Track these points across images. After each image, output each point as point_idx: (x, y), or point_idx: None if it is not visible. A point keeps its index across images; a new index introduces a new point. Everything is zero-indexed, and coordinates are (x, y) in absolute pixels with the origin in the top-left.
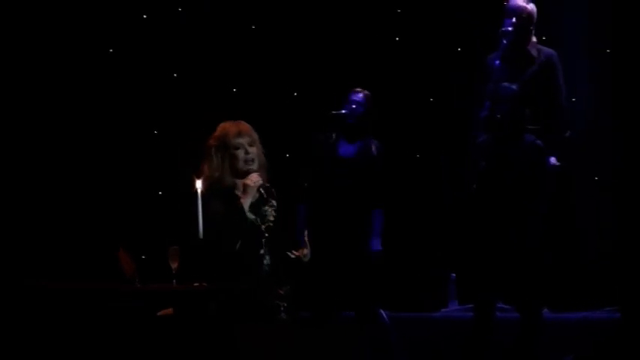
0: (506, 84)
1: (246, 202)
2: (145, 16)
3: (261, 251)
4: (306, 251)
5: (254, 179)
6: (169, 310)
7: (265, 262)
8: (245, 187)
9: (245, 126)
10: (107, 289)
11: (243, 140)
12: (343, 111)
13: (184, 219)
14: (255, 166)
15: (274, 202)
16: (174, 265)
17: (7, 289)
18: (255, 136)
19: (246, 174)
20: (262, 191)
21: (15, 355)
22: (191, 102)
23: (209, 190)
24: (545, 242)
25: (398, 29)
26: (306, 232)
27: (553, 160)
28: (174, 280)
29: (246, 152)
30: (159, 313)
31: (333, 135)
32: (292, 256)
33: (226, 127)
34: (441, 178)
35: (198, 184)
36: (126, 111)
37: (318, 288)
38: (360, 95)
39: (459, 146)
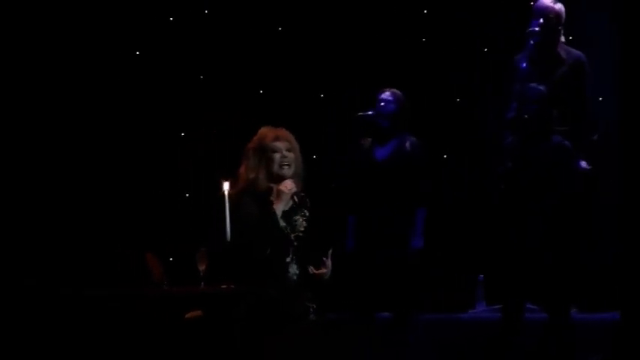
0: (533, 85)
1: (279, 208)
2: (171, 19)
3: (288, 259)
4: (325, 270)
5: (288, 186)
6: (197, 313)
7: (292, 270)
8: (278, 193)
9: (285, 132)
10: (135, 293)
11: (280, 144)
12: (370, 112)
13: (212, 222)
14: (290, 172)
15: (307, 212)
16: (202, 268)
17: (16, 291)
18: (295, 143)
19: (280, 178)
20: (296, 200)
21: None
22: (219, 104)
23: (244, 191)
24: (571, 242)
25: (424, 30)
26: (330, 252)
27: (584, 164)
28: (202, 283)
29: (283, 156)
30: (187, 316)
31: (369, 140)
32: (311, 272)
33: (265, 131)
34: (445, 177)
35: (226, 186)
36: (154, 113)
37: (357, 288)
38: (388, 93)
39: (482, 147)
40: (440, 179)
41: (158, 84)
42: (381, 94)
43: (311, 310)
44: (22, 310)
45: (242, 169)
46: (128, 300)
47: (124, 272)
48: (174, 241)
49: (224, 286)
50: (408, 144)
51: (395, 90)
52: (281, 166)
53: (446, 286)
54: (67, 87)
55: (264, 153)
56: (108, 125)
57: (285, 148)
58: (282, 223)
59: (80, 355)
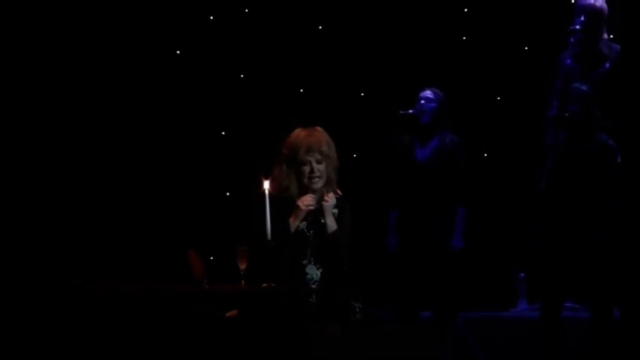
0: (576, 84)
1: (294, 224)
2: (211, 17)
3: (304, 262)
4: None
5: (306, 202)
6: (237, 312)
7: (310, 272)
8: (296, 208)
9: (317, 138)
10: (176, 291)
11: (311, 157)
12: (410, 111)
13: (252, 220)
14: (320, 183)
15: (335, 211)
16: (242, 266)
17: (57, 290)
18: (327, 149)
19: (311, 189)
20: (323, 204)
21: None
22: (258, 103)
23: (275, 194)
24: (614, 240)
25: (465, 29)
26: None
27: None
28: (242, 281)
29: (312, 170)
30: (227, 315)
31: (408, 137)
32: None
33: (299, 138)
34: (485, 176)
35: (266, 185)
36: (194, 112)
37: (399, 287)
38: (429, 92)
39: (525, 145)
40: (480, 178)
41: (198, 83)
42: (421, 92)
43: (357, 309)
44: (70, 309)
45: (275, 171)
46: (168, 298)
47: (165, 270)
48: (215, 239)
49: (264, 285)
50: (448, 142)
51: (435, 89)
52: (310, 179)
53: (488, 285)
54: (131, 90)
55: (295, 164)
56: (150, 125)
57: (315, 160)
58: (301, 227)
59: (120, 353)
